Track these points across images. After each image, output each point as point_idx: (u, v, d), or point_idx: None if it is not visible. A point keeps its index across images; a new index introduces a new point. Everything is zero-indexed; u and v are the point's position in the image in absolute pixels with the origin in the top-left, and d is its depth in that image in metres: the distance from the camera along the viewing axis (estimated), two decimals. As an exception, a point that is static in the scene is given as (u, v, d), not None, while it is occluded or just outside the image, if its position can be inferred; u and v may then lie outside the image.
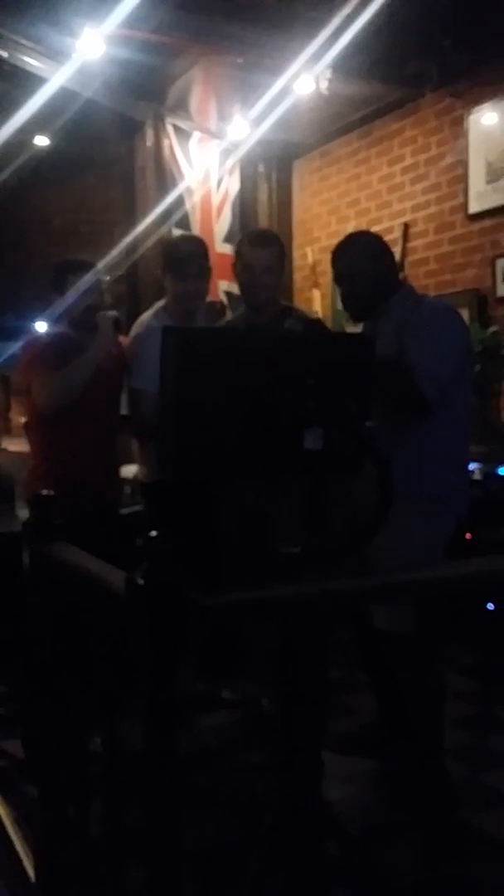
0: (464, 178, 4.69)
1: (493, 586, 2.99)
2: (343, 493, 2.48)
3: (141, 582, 1.32)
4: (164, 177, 5.16)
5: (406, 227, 5.05)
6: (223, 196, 5.60)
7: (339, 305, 4.74)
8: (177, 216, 5.11)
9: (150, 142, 5.12)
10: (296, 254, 5.96)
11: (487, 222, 4.58)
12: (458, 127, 4.73)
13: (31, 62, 4.24)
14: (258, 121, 5.07)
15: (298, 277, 6.03)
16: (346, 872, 1.97)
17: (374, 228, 4.98)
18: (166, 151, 5.16)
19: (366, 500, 1.77)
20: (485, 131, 4.57)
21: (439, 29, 4.31)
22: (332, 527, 2.29)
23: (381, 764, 2.82)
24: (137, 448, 3.25)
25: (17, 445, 4.07)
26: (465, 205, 4.69)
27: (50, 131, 4.96)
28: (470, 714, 3.18)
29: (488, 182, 4.55)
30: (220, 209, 5.57)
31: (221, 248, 5.34)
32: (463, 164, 4.69)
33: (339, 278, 2.79)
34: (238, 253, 3.09)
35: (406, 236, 5.02)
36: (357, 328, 2.92)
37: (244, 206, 5.80)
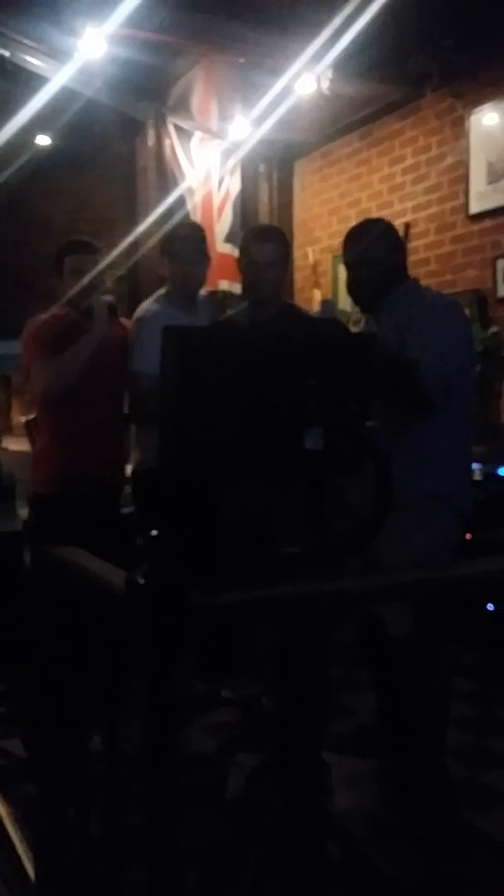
0: (465, 179, 4.69)
1: (493, 587, 2.98)
2: (344, 492, 2.48)
3: (141, 581, 1.32)
4: (166, 176, 5.16)
5: (407, 227, 5.04)
6: (224, 196, 5.60)
7: (341, 305, 4.76)
8: (178, 216, 5.10)
9: (151, 141, 5.12)
10: (297, 254, 5.96)
11: (488, 223, 4.58)
12: (458, 127, 4.73)
13: (33, 62, 4.24)
14: (259, 121, 5.07)
15: (299, 277, 6.03)
16: (345, 872, 1.97)
17: (375, 228, 4.98)
18: (167, 151, 5.17)
19: (367, 499, 1.77)
20: (486, 132, 4.56)
21: (440, 29, 4.32)
22: (333, 526, 2.29)
23: (381, 764, 2.82)
24: (135, 433, 3.22)
25: (18, 444, 4.07)
26: (465, 205, 4.69)
27: (51, 131, 4.95)
28: (470, 714, 3.18)
29: (489, 182, 4.55)
30: (221, 209, 5.57)
31: (222, 247, 5.34)
32: (464, 164, 4.69)
33: (352, 264, 2.70)
34: (242, 248, 3.08)
35: (407, 236, 5.01)
36: (358, 328, 2.91)
37: (245, 206, 5.80)
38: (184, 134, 5.26)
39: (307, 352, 1.89)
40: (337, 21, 3.94)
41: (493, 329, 4.32)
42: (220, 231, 5.51)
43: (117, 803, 1.83)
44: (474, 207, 4.63)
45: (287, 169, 6.14)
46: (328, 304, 2.67)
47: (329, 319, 2.81)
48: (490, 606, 3.44)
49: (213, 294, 3.31)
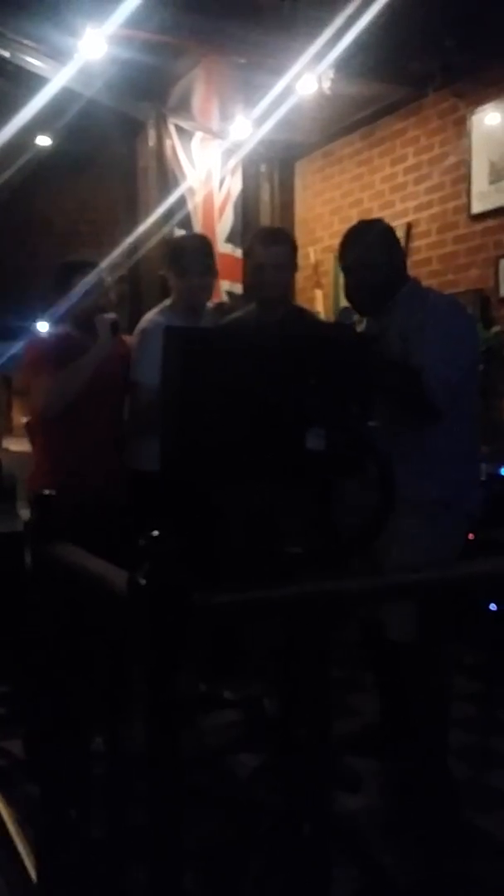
0: (467, 179, 4.68)
1: (495, 587, 2.98)
2: (346, 493, 2.47)
3: (143, 582, 1.32)
4: (166, 177, 5.16)
5: (409, 227, 5.04)
6: (225, 196, 5.60)
7: (342, 305, 4.75)
8: (179, 216, 5.11)
9: (152, 142, 5.12)
10: (298, 254, 5.95)
11: (490, 222, 4.58)
12: (460, 127, 4.73)
13: (33, 62, 4.24)
14: (260, 121, 5.07)
15: (301, 277, 6.01)
16: (347, 872, 1.96)
17: (377, 228, 4.98)
18: (168, 152, 5.16)
19: (369, 500, 1.77)
20: (488, 131, 4.56)
21: (442, 29, 4.31)
22: (336, 527, 2.29)
23: (384, 764, 2.82)
24: (133, 442, 3.21)
25: (19, 445, 4.07)
26: (467, 205, 4.68)
27: (52, 131, 4.96)
28: (473, 715, 3.17)
29: (491, 182, 4.54)
30: (222, 209, 5.57)
31: (223, 248, 5.34)
32: (466, 164, 4.68)
33: (350, 269, 2.63)
34: (249, 250, 3.06)
35: (409, 236, 5.02)
36: (359, 329, 2.89)
37: (246, 207, 5.79)
38: (185, 134, 5.26)
39: (308, 352, 1.89)
40: (338, 21, 3.94)
41: (496, 329, 4.31)
42: (221, 231, 5.51)
43: (119, 804, 1.83)
44: (476, 207, 4.63)
45: (288, 169, 6.13)
46: (349, 310, 2.64)
47: (342, 324, 2.78)
48: (493, 606, 3.44)
49: (220, 306, 3.31)
